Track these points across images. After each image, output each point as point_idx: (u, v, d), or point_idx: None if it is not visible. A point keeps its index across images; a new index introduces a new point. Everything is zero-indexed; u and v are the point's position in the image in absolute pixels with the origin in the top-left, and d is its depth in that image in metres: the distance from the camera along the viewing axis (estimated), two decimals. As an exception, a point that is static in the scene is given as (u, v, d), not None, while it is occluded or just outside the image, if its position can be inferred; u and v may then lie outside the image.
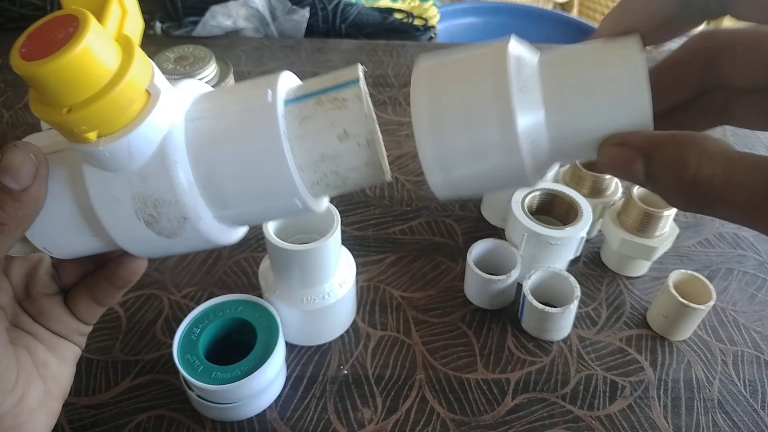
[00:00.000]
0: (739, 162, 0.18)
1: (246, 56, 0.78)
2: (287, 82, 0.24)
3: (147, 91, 0.21)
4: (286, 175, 0.22)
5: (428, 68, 0.22)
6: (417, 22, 0.88)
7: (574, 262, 0.51)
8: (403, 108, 0.69)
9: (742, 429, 0.40)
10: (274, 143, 0.22)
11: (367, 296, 0.48)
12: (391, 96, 0.71)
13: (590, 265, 0.51)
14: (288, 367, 0.42)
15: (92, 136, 0.21)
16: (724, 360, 0.44)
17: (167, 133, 0.22)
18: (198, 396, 0.38)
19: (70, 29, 0.19)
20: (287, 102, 0.23)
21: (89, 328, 0.30)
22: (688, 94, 0.23)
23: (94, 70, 0.19)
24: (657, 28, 0.22)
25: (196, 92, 0.25)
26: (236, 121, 0.22)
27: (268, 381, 0.38)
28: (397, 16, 0.88)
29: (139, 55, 0.21)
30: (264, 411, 0.40)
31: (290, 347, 0.43)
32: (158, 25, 0.79)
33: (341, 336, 0.45)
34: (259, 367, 0.37)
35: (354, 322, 0.46)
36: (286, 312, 0.41)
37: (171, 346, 0.39)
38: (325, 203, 0.26)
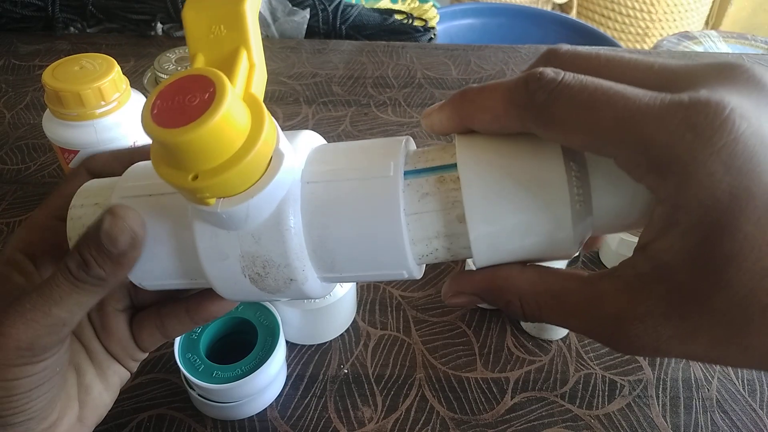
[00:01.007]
0: (546, 296, 0.21)
1: (246, 57, 0.78)
2: (407, 148, 0.23)
3: (272, 157, 0.21)
4: (399, 249, 0.22)
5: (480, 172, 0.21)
6: (417, 23, 0.88)
7: (573, 262, 0.51)
8: (402, 108, 0.69)
9: (740, 428, 0.40)
10: (392, 218, 0.21)
11: (367, 295, 0.48)
12: (391, 96, 0.71)
13: (589, 264, 0.51)
14: (288, 366, 0.43)
15: (212, 201, 0.20)
16: (722, 359, 0.44)
17: (285, 197, 0.22)
18: (199, 395, 0.38)
19: (206, 95, 0.18)
20: (407, 174, 0.22)
21: (144, 356, 0.30)
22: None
23: (228, 139, 0.19)
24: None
25: (311, 146, 0.24)
26: (355, 190, 0.22)
27: (268, 380, 0.38)
28: (397, 17, 0.88)
29: (269, 119, 0.20)
30: (264, 410, 0.40)
31: (291, 346, 0.44)
32: (159, 27, 0.80)
33: (341, 335, 0.45)
34: (259, 366, 0.37)
35: (354, 322, 0.46)
36: (286, 311, 0.41)
37: (172, 345, 0.39)
38: (423, 269, 0.26)
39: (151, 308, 0.29)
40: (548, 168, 0.21)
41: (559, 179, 0.20)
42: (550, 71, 0.19)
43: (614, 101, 0.18)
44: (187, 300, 0.28)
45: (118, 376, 0.29)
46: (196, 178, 0.19)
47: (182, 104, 0.19)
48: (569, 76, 0.19)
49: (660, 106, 0.18)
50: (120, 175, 0.26)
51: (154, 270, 0.25)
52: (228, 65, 0.20)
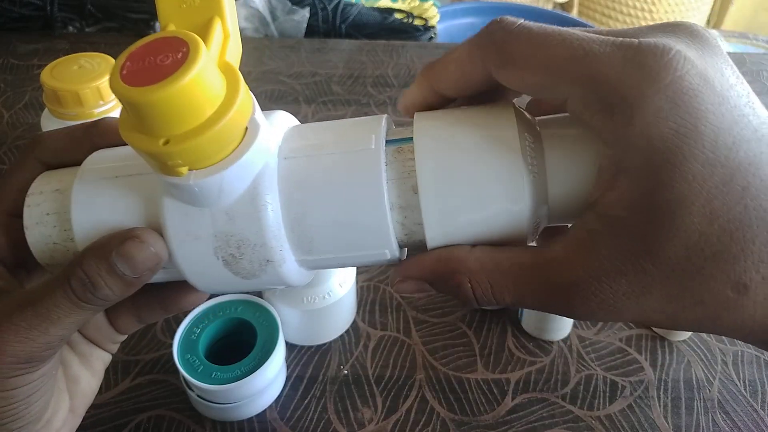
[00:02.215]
0: (496, 274, 0.21)
1: (246, 56, 0.78)
2: (387, 125, 0.23)
3: (246, 127, 0.20)
4: (381, 217, 0.21)
5: (434, 140, 0.21)
6: (417, 22, 0.88)
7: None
8: (403, 108, 0.69)
9: (742, 429, 0.40)
10: (375, 188, 0.21)
11: (367, 296, 0.48)
12: (391, 96, 0.71)
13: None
14: (288, 367, 0.42)
15: (184, 170, 0.19)
16: (724, 360, 0.44)
17: (260, 171, 0.21)
18: (198, 396, 0.38)
19: (179, 55, 0.18)
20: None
21: (123, 337, 0.29)
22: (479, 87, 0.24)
23: (201, 102, 0.18)
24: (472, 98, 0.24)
25: (288, 125, 0.23)
26: (335, 163, 0.21)
27: (268, 381, 0.38)
28: (397, 16, 0.88)
29: (244, 88, 0.19)
30: (264, 411, 0.40)
31: (290, 347, 0.43)
32: (158, 26, 0.79)
33: (341, 336, 0.45)
34: (259, 367, 0.37)
35: (354, 322, 0.46)
36: (286, 312, 0.41)
37: (171, 346, 0.39)
38: (405, 252, 0.25)
39: (126, 299, 0.28)
40: (503, 137, 0.20)
41: (513, 148, 0.20)
42: (510, 17, 0.20)
43: (569, 41, 0.19)
44: (160, 292, 0.27)
45: (101, 360, 0.29)
46: (167, 143, 0.18)
47: (153, 64, 0.18)
48: (528, 22, 0.20)
49: (611, 46, 0.18)
50: (77, 158, 0.25)
51: None
52: (202, 34, 0.19)
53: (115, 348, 0.29)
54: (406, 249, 0.25)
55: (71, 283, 0.22)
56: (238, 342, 0.40)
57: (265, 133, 0.21)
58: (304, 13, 0.82)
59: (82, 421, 0.39)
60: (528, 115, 0.22)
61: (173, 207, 0.21)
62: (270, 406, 0.40)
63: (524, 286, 0.21)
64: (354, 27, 0.85)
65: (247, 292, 0.41)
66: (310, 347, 0.44)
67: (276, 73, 0.75)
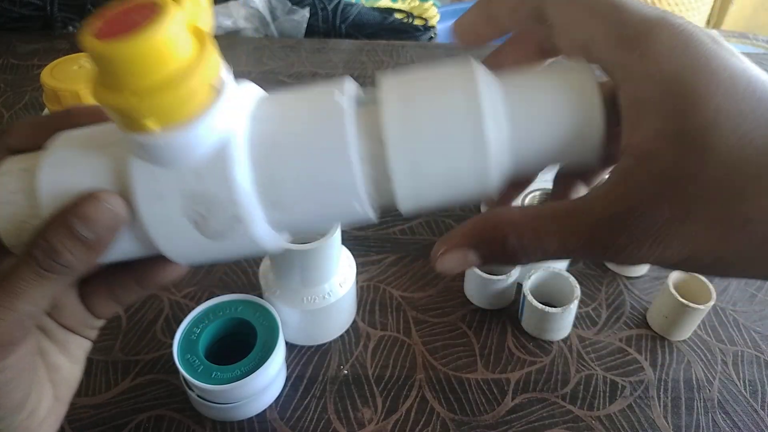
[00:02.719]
0: (542, 221, 0.21)
1: (246, 56, 0.78)
2: (354, 87, 0.24)
3: (214, 86, 0.21)
4: (347, 165, 0.21)
5: (398, 85, 0.22)
6: (417, 22, 0.88)
7: (574, 262, 0.51)
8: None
9: (742, 429, 0.40)
10: (339, 137, 0.21)
11: (367, 296, 0.48)
12: (391, 96, 0.71)
13: (590, 265, 0.51)
14: (288, 367, 0.42)
15: (152, 123, 0.19)
16: (724, 360, 0.44)
17: (228, 129, 0.21)
18: (198, 396, 0.38)
19: (151, 14, 0.18)
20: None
21: (102, 322, 0.29)
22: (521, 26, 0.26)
23: (170, 55, 0.19)
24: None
25: (258, 94, 0.24)
26: (300, 118, 0.22)
27: (268, 381, 0.38)
28: (397, 16, 0.88)
29: (213, 48, 0.20)
30: (264, 411, 0.40)
31: (290, 347, 0.43)
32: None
33: (341, 336, 0.45)
34: (259, 367, 0.37)
35: (354, 322, 0.46)
36: (286, 312, 0.41)
37: (171, 346, 0.39)
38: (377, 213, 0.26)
39: (99, 278, 0.27)
40: (462, 79, 0.21)
41: (473, 88, 0.21)
42: None
43: None
44: (134, 268, 0.26)
45: (80, 347, 0.28)
46: (135, 96, 0.19)
47: (125, 23, 0.18)
48: None
49: (640, 5, 0.21)
50: (43, 144, 0.25)
51: None
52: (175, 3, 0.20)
53: (93, 334, 0.29)
54: (378, 211, 0.25)
55: (33, 252, 0.22)
56: (238, 342, 0.40)
57: (234, 93, 0.21)
58: (304, 13, 0.82)
59: (82, 421, 0.39)
60: (488, 70, 0.23)
61: (140, 168, 0.21)
62: (270, 406, 0.40)
63: (568, 228, 0.21)
64: (354, 27, 0.85)
65: (231, 270, 0.41)
66: (310, 347, 0.44)
67: (276, 73, 0.75)
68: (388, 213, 0.55)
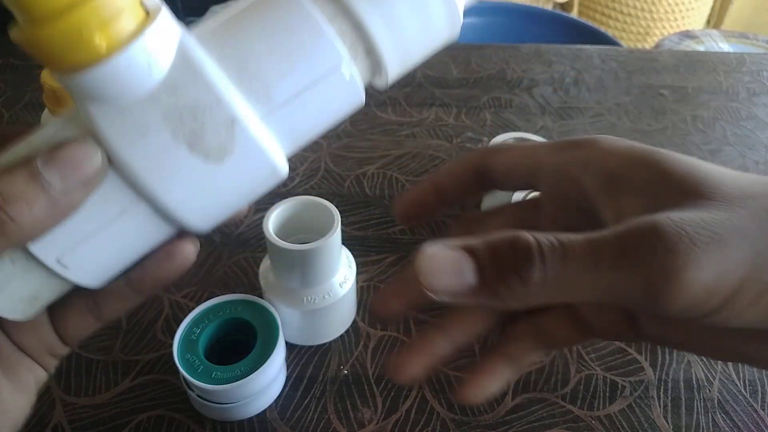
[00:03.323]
0: (568, 257, 0.19)
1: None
2: None
3: (145, 10, 0.19)
4: (317, 29, 0.20)
5: None
6: None
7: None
8: (402, 108, 0.69)
9: (742, 429, 0.40)
10: (304, 10, 0.20)
11: (367, 296, 0.48)
12: (391, 96, 0.71)
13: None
14: (288, 367, 0.42)
15: (100, 40, 0.18)
16: (724, 360, 0.44)
17: (182, 35, 0.20)
18: (198, 396, 0.38)
19: None
20: None
21: (66, 351, 0.24)
22: (466, 193, 0.28)
23: None
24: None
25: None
26: (256, 4, 0.21)
27: (268, 381, 0.38)
28: None
29: None
30: (264, 411, 0.40)
31: (290, 347, 0.44)
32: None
33: (341, 336, 0.45)
34: (259, 367, 0.37)
35: (354, 322, 0.46)
36: (286, 312, 0.41)
37: (171, 346, 0.39)
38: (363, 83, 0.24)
39: (77, 289, 0.22)
40: None
41: None
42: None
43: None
44: (127, 272, 0.23)
45: (33, 375, 0.24)
46: (72, 8, 0.17)
47: None
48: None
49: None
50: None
51: (76, 234, 0.20)
52: None
53: (52, 364, 0.24)
54: (366, 82, 0.24)
55: None
56: (238, 342, 0.40)
57: (167, 10, 0.20)
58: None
59: (82, 421, 0.39)
60: None
61: (104, 111, 0.19)
62: (270, 406, 0.40)
63: (608, 258, 0.18)
64: None
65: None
66: (310, 347, 0.44)
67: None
68: (389, 214, 0.55)
